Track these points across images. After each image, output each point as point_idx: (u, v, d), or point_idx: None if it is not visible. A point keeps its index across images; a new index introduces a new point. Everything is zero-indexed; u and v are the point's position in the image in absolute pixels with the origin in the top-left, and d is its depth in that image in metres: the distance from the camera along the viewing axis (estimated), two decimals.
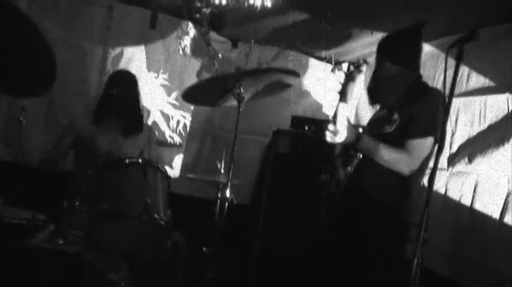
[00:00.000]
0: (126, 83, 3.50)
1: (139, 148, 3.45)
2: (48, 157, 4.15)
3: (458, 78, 2.16)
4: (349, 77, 2.54)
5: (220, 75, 3.49)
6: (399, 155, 2.48)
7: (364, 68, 2.66)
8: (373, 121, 2.77)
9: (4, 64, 2.54)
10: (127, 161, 2.88)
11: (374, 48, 2.69)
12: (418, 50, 2.62)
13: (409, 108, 2.50)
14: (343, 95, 2.52)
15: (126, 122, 3.45)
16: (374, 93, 2.70)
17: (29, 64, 2.59)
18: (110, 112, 3.43)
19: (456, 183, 3.40)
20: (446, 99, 2.08)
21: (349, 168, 2.64)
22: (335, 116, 2.49)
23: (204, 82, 3.23)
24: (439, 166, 2.20)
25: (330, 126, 2.49)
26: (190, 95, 3.18)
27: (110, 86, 3.47)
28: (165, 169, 3.00)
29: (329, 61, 5.27)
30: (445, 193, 3.44)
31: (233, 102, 3.06)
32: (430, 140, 2.48)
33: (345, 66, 5.25)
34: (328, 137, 2.52)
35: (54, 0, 4.43)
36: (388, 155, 2.49)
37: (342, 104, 2.52)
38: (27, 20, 2.48)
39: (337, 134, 2.47)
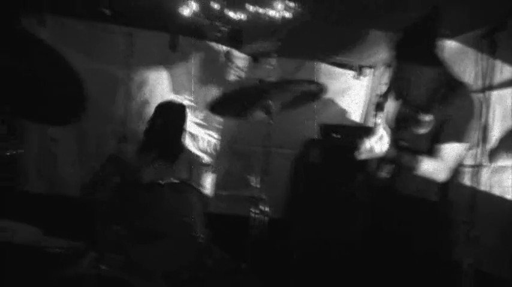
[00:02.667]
0: (171, 115, 3.64)
1: (183, 175, 3.49)
2: (88, 189, 4.24)
3: (491, 71, 2.11)
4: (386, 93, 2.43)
5: (246, 84, 3.54)
6: (436, 165, 2.40)
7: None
8: (399, 122, 2.69)
9: (34, 94, 2.60)
10: (162, 182, 2.90)
11: None
12: (434, 43, 2.48)
13: (442, 110, 2.42)
14: (380, 107, 2.40)
15: (168, 152, 3.53)
16: (397, 89, 2.60)
17: (58, 94, 2.65)
18: (154, 143, 3.52)
19: (499, 178, 3.32)
20: (481, 94, 2.05)
21: (385, 173, 2.59)
22: (372, 130, 2.38)
23: (230, 92, 3.26)
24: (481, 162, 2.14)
25: (367, 143, 2.39)
26: (217, 108, 3.26)
27: (154, 118, 3.63)
28: (201, 188, 3.01)
29: (352, 68, 5.25)
30: (489, 189, 3.36)
31: (260, 115, 3.08)
32: (464, 146, 2.41)
33: (369, 71, 5.27)
34: (364, 155, 2.44)
35: (75, 31, 4.54)
36: (427, 169, 2.42)
37: (379, 117, 2.39)
38: (54, 51, 2.54)
39: (374, 150, 2.39)
